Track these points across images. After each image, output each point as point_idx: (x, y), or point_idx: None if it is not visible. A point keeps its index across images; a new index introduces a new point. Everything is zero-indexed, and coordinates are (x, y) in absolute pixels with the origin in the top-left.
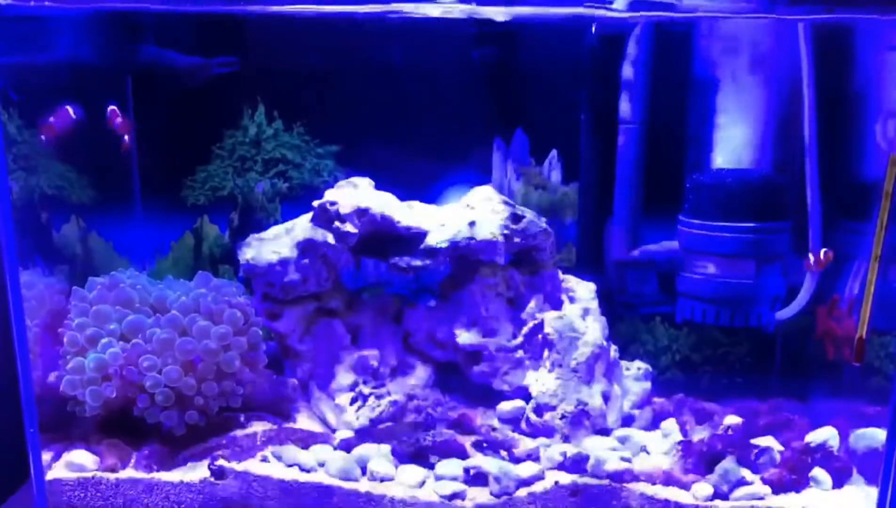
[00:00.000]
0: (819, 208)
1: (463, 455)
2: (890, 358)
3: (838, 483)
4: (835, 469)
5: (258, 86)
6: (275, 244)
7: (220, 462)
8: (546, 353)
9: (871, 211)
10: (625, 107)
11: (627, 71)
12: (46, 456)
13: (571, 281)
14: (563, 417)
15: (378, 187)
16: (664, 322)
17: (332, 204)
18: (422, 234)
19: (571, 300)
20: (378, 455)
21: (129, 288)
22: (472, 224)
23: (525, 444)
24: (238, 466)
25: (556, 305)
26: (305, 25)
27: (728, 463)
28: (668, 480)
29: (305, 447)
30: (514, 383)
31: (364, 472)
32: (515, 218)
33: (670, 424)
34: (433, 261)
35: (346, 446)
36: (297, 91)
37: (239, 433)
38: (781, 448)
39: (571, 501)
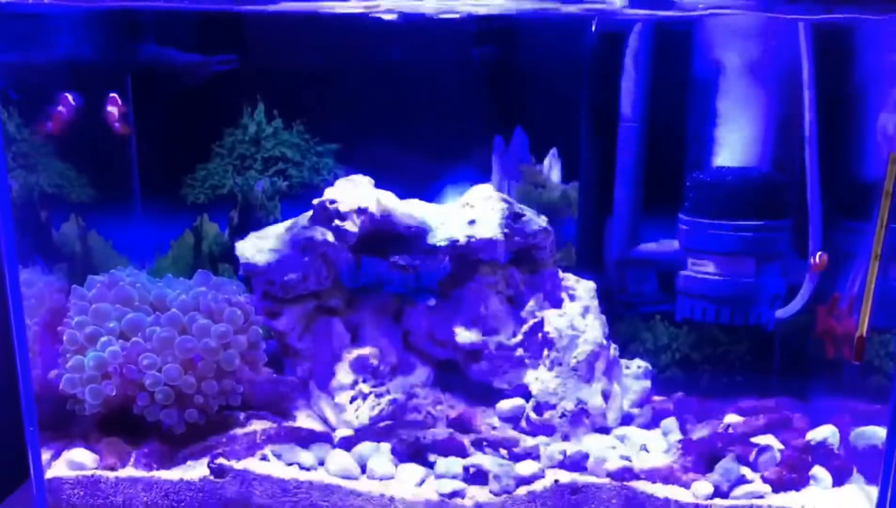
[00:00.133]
0: (819, 207)
1: (463, 453)
2: (890, 357)
3: (838, 481)
4: (835, 467)
5: (258, 85)
6: (275, 242)
7: (220, 460)
8: (546, 352)
9: (871, 209)
10: (625, 105)
11: (627, 69)
12: (46, 455)
13: (571, 280)
14: (562, 415)
15: (378, 185)
16: (664, 320)
17: (332, 202)
18: (422, 233)
19: (571, 298)
20: (378, 453)
21: (128, 287)
22: (471, 222)
23: (525, 442)
24: (238, 465)
25: (556, 304)
26: (305, 23)
27: (728, 462)
28: (667, 478)
29: (305, 445)
30: (514, 381)
31: (364, 471)
32: (515, 216)
33: (670, 422)
34: (433, 260)
35: (346, 444)
36: (297, 89)
37: (239, 431)
38: (781, 447)
39: (571, 499)
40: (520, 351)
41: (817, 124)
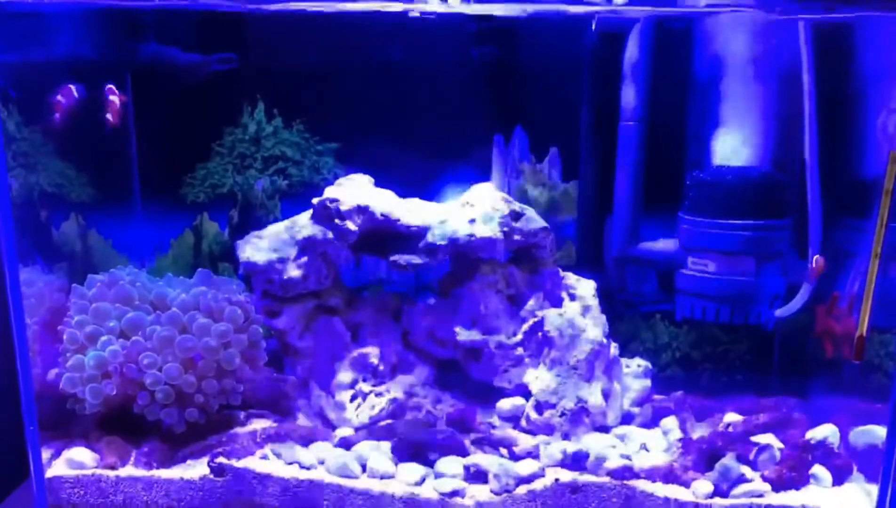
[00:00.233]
0: (819, 206)
1: (463, 452)
2: (890, 356)
3: (838, 480)
4: (835, 466)
5: (258, 84)
6: (275, 241)
7: (220, 459)
8: (546, 351)
9: (871, 208)
10: (625, 104)
11: (628, 68)
12: (46, 454)
13: (571, 279)
14: (562, 414)
15: (378, 184)
16: (664, 319)
17: (332, 201)
18: (422, 232)
19: (571, 297)
20: (378, 452)
21: (128, 286)
22: (471, 221)
23: (525, 441)
24: (238, 464)
25: (556, 303)
26: (305, 22)
27: (728, 461)
28: (667, 477)
29: (305, 444)
30: (514, 380)
31: (364, 470)
32: (515, 215)
33: (670, 421)
34: (433, 259)
35: (346, 443)
36: (297, 88)
37: (239, 430)
38: (781, 446)
39: (571, 498)
40: (520, 350)
41: (817, 123)
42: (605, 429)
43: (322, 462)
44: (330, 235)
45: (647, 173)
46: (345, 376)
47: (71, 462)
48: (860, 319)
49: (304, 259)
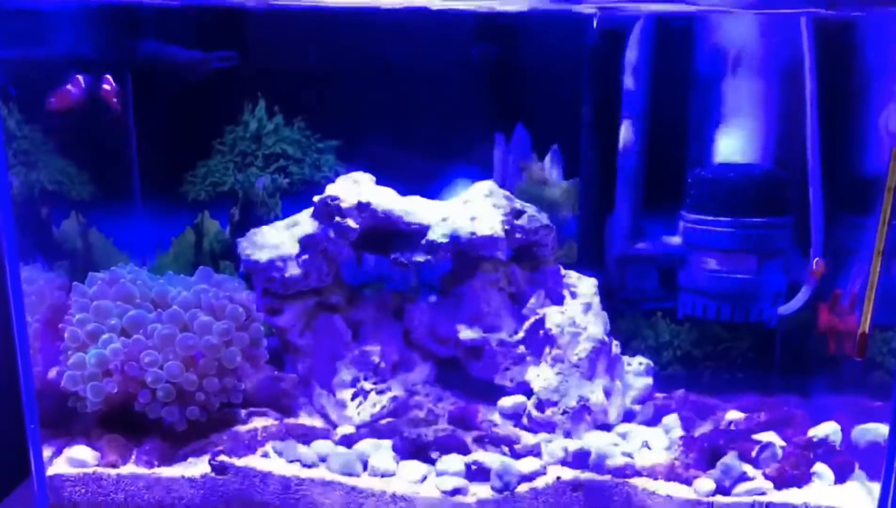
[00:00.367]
0: (821, 203)
1: (464, 450)
2: (892, 353)
3: (840, 478)
4: (837, 464)
5: (258, 81)
6: (276, 239)
7: (221, 457)
8: (547, 349)
9: (873, 205)
10: (626, 102)
11: (629, 65)
12: (47, 452)
13: (573, 277)
14: (564, 412)
15: (379, 182)
16: (665, 317)
17: (333, 199)
18: (423, 230)
19: (573, 295)
20: (379, 450)
21: (129, 284)
22: (473, 219)
23: (526, 439)
24: (239, 462)
25: (558, 301)
26: (305, 20)
27: (730, 459)
28: (669, 475)
29: (306, 442)
30: (516, 378)
31: (365, 468)
32: (516, 213)
33: (672, 419)
34: (434, 257)
35: (347, 441)
36: (298, 86)
37: (240, 428)
38: (783, 444)
39: (573, 496)
40: (521, 348)
41: (819, 120)
42: (606, 427)
43: (323, 460)
44: (331, 233)
45: (648, 170)
46: (346, 374)
47: (72, 460)
48: (862, 316)
49: (305, 257)
